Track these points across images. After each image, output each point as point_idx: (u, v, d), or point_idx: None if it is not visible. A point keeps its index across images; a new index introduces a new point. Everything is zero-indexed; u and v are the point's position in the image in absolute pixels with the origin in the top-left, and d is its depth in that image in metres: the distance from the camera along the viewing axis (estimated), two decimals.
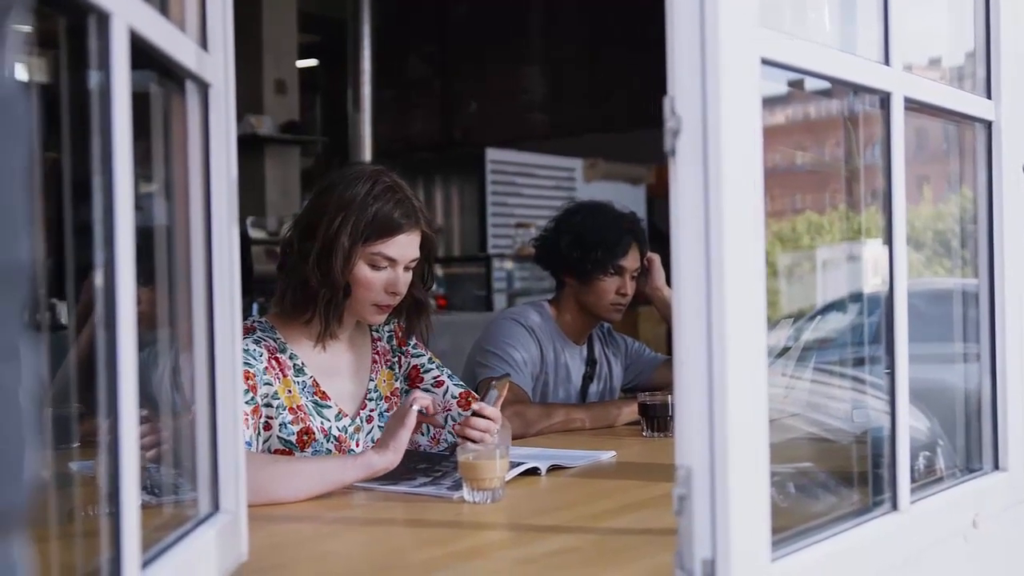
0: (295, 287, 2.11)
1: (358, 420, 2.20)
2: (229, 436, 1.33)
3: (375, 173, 2.14)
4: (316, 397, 2.13)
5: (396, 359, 2.31)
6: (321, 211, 2.09)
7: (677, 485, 1.13)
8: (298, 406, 2.10)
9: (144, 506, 1.02)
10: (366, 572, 1.47)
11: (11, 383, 0.51)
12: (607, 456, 2.26)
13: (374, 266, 2.10)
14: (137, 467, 0.98)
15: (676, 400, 1.15)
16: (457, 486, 1.85)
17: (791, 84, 1.41)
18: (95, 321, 0.98)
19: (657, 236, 3.54)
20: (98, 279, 0.95)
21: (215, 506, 1.32)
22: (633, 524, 1.67)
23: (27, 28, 0.59)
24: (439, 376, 2.32)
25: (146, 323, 1.11)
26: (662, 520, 1.60)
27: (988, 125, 1.73)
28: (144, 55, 1.06)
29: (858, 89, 1.49)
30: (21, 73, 0.56)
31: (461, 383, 2.33)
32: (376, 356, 2.28)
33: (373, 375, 2.26)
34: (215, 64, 1.31)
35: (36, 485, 0.53)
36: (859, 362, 1.89)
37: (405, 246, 2.12)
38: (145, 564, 1.04)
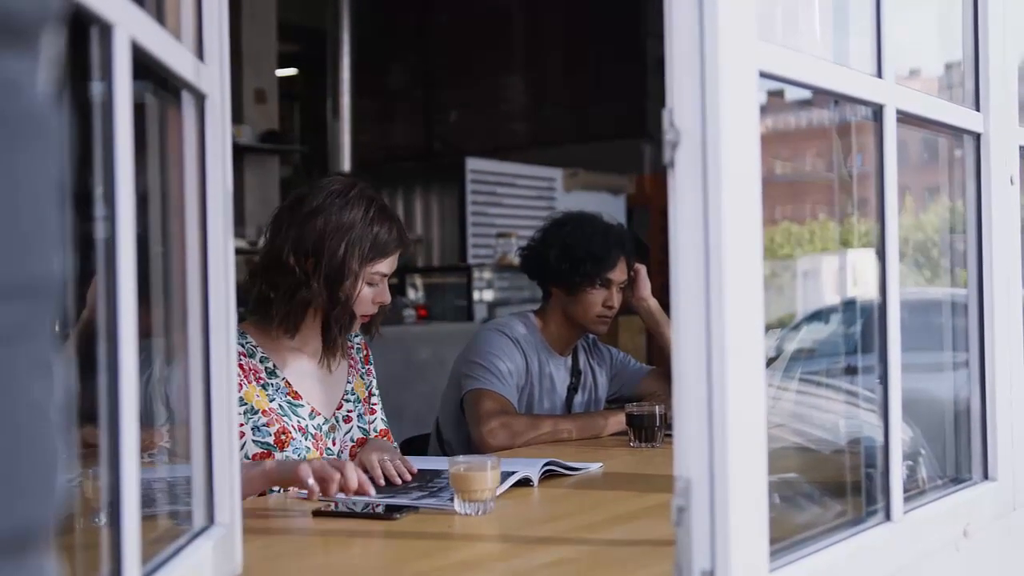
0: (297, 307, 2.16)
1: (333, 420, 2.27)
2: (224, 449, 1.32)
3: (362, 193, 2.21)
4: (289, 397, 2.20)
5: (365, 370, 2.41)
6: (318, 234, 2.14)
7: (676, 496, 1.13)
8: (270, 408, 2.15)
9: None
10: None
11: (43, 398, 0.51)
12: (595, 467, 2.26)
13: (371, 283, 2.21)
14: (138, 480, 0.97)
15: (675, 411, 1.15)
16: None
17: (770, 93, 1.42)
18: (80, 332, 0.97)
19: (637, 246, 3.54)
20: (99, 290, 0.95)
21: (210, 519, 1.31)
22: (627, 535, 1.67)
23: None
24: (375, 405, 2.42)
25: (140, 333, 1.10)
26: (656, 531, 1.60)
27: (977, 137, 1.74)
28: (140, 65, 1.06)
29: (852, 101, 1.50)
30: (54, 87, 0.56)
31: (385, 420, 2.42)
32: (351, 362, 2.37)
33: (350, 378, 2.34)
34: (211, 75, 1.30)
35: (64, 500, 0.53)
36: (845, 372, 1.90)
37: (395, 261, 2.25)
38: None
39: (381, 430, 2.38)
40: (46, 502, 0.51)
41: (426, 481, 2.05)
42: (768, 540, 1.18)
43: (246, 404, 2.12)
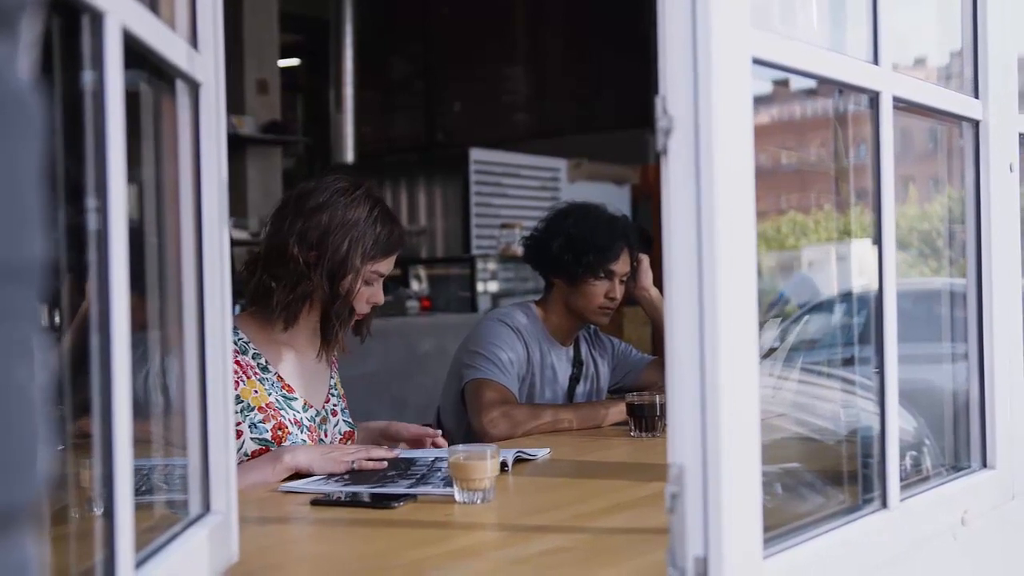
0: (298, 299, 2.19)
1: (324, 412, 2.31)
2: (219, 437, 1.33)
3: (368, 193, 2.25)
4: (283, 391, 2.23)
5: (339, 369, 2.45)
6: (322, 228, 2.18)
7: (669, 483, 1.13)
8: (267, 404, 2.18)
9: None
10: (357, 573, 1.47)
11: (25, 380, 0.51)
12: (543, 452, 2.27)
13: (368, 282, 2.23)
14: (131, 468, 0.97)
15: (668, 398, 1.15)
16: (448, 483, 1.84)
17: (776, 83, 1.41)
18: (79, 324, 0.97)
19: (641, 237, 3.54)
20: (91, 281, 0.95)
21: (206, 507, 1.32)
22: (624, 523, 1.68)
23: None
24: (343, 406, 2.42)
25: (134, 325, 1.10)
26: (653, 519, 1.60)
27: (976, 124, 1.74)
28: (133, 54, 1.06)
29: (848, 88, 1.50)
30: (33, 72, 0.56)
31: (350, 422, 2.40)
32: (334, 359, 2.40)
33: (333, 374, 2.39)
34: (205, 63, 1.30)
35: (47, 482, 0.53)
36: (846, 362, 1.90)
37: (392, 262, 2.28)
38: (137, 565, 1.03)
39: (345, 432, 2.38)
40: (27, 482, 0.51)
41: (404, 470, 2.05)
42: (762, 527, 1.18)
43: (243, 401, 2.15)
